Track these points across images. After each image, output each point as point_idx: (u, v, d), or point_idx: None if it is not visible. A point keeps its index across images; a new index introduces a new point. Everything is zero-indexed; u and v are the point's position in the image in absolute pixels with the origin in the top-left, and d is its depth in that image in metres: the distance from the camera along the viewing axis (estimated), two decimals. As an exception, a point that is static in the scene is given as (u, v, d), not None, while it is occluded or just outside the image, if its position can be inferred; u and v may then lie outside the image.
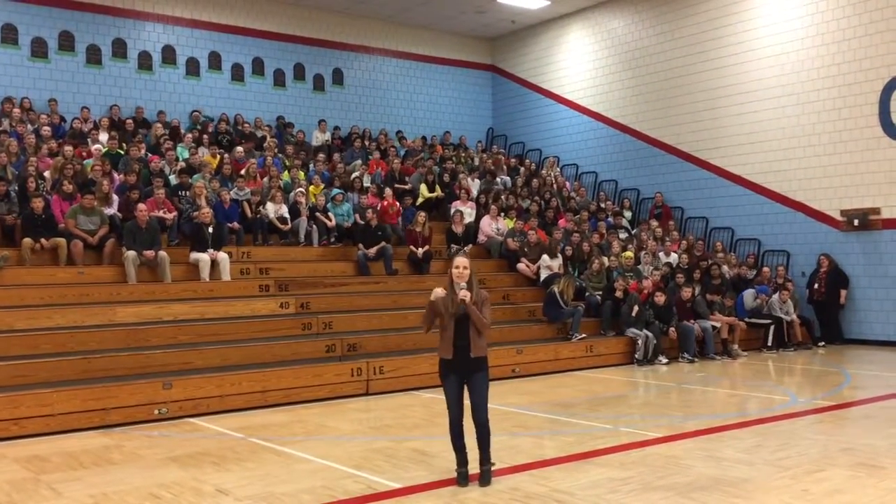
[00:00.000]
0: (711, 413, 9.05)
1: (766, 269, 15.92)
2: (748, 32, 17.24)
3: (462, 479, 6.01)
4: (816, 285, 15.53)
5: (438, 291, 5.99)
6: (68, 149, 14.11)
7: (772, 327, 14.70)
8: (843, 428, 8.27)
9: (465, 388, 6.00)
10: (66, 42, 17.28)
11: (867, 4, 15.34)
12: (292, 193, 15.03)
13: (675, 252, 16.17)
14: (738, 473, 6.23)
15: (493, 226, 16.38)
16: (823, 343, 15.20)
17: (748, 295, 15.08)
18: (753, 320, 14.80)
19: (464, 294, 5.87)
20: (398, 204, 15.98)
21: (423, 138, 21.18)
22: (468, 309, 5.91)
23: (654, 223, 17.44)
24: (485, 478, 5.95)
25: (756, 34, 17.09)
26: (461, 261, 6.04)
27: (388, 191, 16.05)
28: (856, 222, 15.30)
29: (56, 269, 11.53)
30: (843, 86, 15.66)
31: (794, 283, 15.60)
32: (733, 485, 5.92)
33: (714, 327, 13.94)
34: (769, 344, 14.67)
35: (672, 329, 13.50)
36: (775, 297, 14.96)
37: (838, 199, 15.71)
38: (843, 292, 15.34)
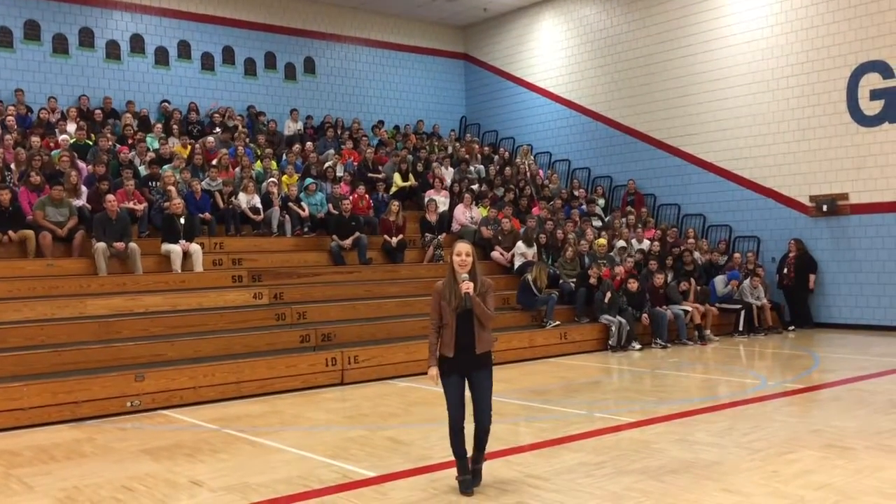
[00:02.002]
0: (684, 397, 9.14)
1: (737, 254, 16.09)
2: (718, 20, 17.36)
3: (465, 486, 5.45)
4: (786, 270, 15.74)
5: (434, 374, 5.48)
6: (35, 139, 13.89)
7: (742, 312, 14.88)
8: (812, 410, 8.40)
9: (467, 385, 5.49)
10: (32, 31, 16.96)
11: (835, -8, 15.52)
12: (265, 183, 14.93)
13: (647, 239, 16.29)
14: (710, 456, 6.30)
15: (467, 214, 16.39)
16: (793, 327, 15.41)
17: (719, 281, 15.23)
18: (724, 306, 14.96)
19: (467, 286, 5.29)
20: (368, 197, 15.89)
21: (396, 127, 21.11)
22: (472, 302, 5.32)
23: (628, 209, 17.56)
24: (476, 476, 5.58)
25: (726, 21, 17.22)
26: (463, 247, 5.39)
27: (361, 188, 15.87)
28: (825, 208, 15.50)
29: (24, 262, 11.36)
30: (811, 73, 15.83)
31: (765, 269, 15.80)
32: (705, 467, 5.99)
33: (685, 311, 14.08)
34: (740, 329, 14.85)
35: (645, 315, 13.63)
36: (746, 282, 15.13)
37: (807, 185, 15.90)
38: (812, 277, 15.56)
